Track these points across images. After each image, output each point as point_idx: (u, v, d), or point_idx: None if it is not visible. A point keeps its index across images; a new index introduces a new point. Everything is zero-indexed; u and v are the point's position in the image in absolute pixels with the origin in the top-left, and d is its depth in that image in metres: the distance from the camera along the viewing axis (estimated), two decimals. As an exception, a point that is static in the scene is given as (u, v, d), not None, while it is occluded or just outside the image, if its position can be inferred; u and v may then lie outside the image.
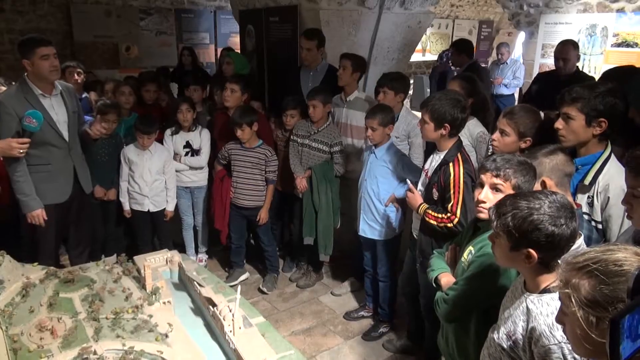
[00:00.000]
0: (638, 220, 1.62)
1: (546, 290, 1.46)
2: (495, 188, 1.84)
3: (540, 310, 1.43)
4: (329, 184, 3.69)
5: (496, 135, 2.43)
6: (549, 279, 1.46)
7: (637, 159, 1.58)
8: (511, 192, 1.79)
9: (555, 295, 1.43)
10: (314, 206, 3.71)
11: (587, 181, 2.06)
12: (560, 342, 1.33)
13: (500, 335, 1.55)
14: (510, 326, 1.52)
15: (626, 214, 1.73)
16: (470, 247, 1.96)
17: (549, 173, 1.91)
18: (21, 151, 2.86)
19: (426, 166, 2.71)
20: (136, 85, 4.28)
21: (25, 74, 2.99)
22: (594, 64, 5.19)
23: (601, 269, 0.98)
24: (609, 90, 2.09)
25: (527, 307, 1.47)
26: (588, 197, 2.08)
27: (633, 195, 1.60)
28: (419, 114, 2.77)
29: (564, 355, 1.32)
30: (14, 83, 3.42)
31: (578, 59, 3.95)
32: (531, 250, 1.43)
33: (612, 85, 2.21)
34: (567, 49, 3.97)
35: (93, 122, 3.38)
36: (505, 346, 1.53)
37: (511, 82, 7.06)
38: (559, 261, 1.51)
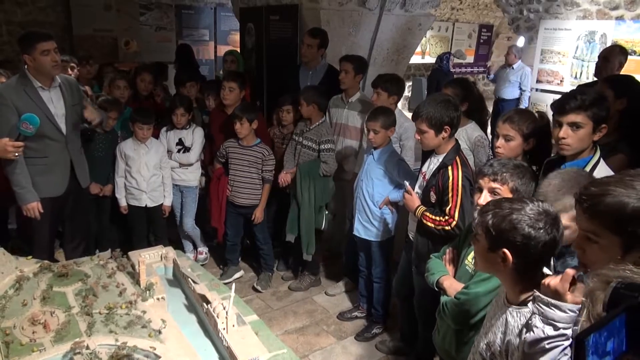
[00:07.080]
0: (592, 266, 1.33)
1: (526, 303, 1.41)
2: (493, 192, 1.85)
3: (517, 324, 1.39)
4: (313, 181, 3.63)
5: (500, 142, 2.38)
6: (528, 290, 1.40)
7: (592, 197, 1.29)
8: (509, 195, 1.80)
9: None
10: (297, 203, 3.71)
11: None
12: None
13: (481, 346, 1.53)
14: (490, 337, 1.50)
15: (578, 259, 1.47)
16: None
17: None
18: (16, 154, 2.86)
19: (424, 169, 2.72)
20: (131, 79, 4.26)
21: (25, 66, 2.97)
22: (592, 70, 5.22)
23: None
24: (604, 97, 2.09)
25: (507, 320, 1.44)
26: None
27: (587, 239, 1.32)
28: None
29: None
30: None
31: (621, 66, 3.77)
32: (506, 251, 1.39)
33: (602, 91, 2.21)
34: (612, 50, 3.88)
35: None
36: (485, 356, 1.51)
37: (515, 88, 7.02)
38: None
